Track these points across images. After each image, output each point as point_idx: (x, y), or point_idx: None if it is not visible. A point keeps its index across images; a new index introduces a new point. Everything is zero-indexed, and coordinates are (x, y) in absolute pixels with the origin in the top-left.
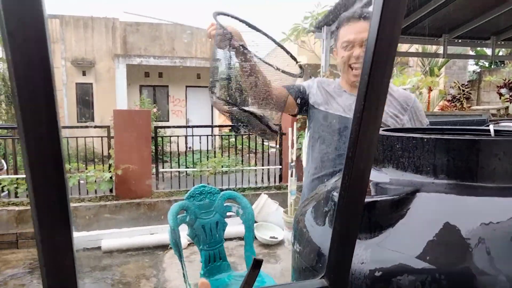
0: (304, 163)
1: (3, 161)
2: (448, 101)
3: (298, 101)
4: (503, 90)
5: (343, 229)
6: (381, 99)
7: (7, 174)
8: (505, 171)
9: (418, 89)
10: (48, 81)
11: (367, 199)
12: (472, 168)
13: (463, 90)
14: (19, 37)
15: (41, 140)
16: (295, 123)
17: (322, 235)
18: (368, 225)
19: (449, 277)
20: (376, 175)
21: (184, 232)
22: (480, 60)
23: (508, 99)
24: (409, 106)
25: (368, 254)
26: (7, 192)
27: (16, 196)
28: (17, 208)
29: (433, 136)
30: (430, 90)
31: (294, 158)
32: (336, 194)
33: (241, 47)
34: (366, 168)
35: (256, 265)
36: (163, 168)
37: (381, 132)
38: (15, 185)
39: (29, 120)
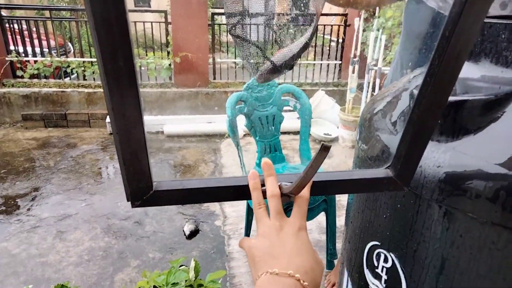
0: (379, 63)
1: (69, 43)
2: None
3: None
4: None
5: (421, 118)
6: None
7: (74, 57)
8: None
9: None
10: None
11: (455, 98)
12: None
13: None
14: None
15: (109, 21)
16: (362, 13)
17: (391, 136)
18: (452, 127)
19: None
20: (467, 70)
21: (241, 122)
22: None
23: None
24: None
25: (446, 158)
26: (76, 74)
27: (84, 79)
28: (86, 90)
29: None
30: None
31: (358, 53)
32: (416, 92)
33: None
34: (462, 52)
35: (324, 149)
36: (220, 58)
37: None
38: (82, 68)
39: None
